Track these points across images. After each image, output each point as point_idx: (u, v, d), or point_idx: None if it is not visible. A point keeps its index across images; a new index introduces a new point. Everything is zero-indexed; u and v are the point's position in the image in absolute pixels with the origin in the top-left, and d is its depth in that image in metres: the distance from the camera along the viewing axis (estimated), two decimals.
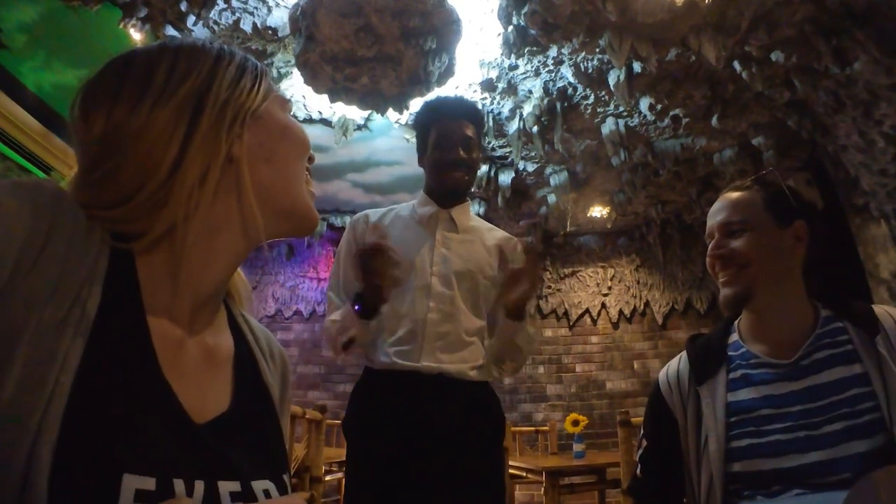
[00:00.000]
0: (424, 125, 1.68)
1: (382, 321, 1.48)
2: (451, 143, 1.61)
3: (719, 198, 1.19)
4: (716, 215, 1.16)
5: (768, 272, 1.09)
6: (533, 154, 4.49)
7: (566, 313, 5.72)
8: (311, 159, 0.66)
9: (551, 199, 4.98)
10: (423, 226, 1.64)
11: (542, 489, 3.22)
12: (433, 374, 1.47)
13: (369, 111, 3.73)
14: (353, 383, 1.62)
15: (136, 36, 3.05)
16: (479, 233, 1.68)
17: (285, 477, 0.59)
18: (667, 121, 4.03)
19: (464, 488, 1.42)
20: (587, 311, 5.72)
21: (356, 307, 1.37)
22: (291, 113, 0.67)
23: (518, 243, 1.62)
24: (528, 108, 3.95)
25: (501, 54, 3.50)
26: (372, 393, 1.52)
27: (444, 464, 1.41)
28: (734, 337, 1.18)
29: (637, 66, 3.50)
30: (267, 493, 0.54)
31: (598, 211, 5.30)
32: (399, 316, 1.52)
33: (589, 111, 4.00)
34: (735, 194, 1.16)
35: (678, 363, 1.21)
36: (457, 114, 1.65)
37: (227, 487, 0.50)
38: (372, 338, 1.48)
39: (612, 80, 3.58)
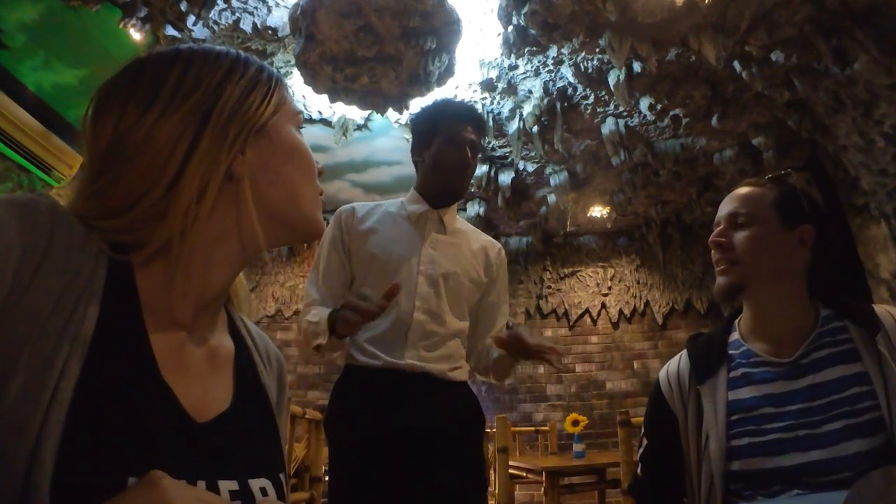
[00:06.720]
0: (431, 123, 1.67)
1: None
2: (462, 145, 1.62)
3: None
4: (725, 206, 1.19)
5: (762, 269, 1.10)
6: (533, 154, 4.49)
7: (566, 313, 5.72)
8: (319, 172, 0.66)
9: (551, 199, 4.98)
10: (411, 224, 1.63)
11: (542, 489, 3.22)
12: (416, 373, 1.46)
13: (369, 111, 3.73)
14: None
15: (136, 36, 3.05)
16: (465, 236, 1.69)
17: (282, 475, 0.60)
18: (667, 121, 4.03)
19: (447, 488, 1.41)
20: (587, 311, 5.72)
21: (331, 329, 1.37)
22: (300, 125, 0.66)
23: (501, 249, 1.74)
24: (528, 108, 3.95)
25: (501, 54, 3.50)
26: (354, 392, 1.50)
27: (428, 464, 1.41)
28: (735, 335, 1.18)
29: (637, 66, 3.50)
30: (263, 491, 0.55)
31: (598, 211, 5.30)
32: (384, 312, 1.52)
33: (589, 111, 4.00)
34: (747, 189, 1.18)
35: (679, 362, 1.22)
36: (467, 117, 1.67)
37: (226, 486, 0.51)
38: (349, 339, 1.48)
39: (612, 80, 3.58)
